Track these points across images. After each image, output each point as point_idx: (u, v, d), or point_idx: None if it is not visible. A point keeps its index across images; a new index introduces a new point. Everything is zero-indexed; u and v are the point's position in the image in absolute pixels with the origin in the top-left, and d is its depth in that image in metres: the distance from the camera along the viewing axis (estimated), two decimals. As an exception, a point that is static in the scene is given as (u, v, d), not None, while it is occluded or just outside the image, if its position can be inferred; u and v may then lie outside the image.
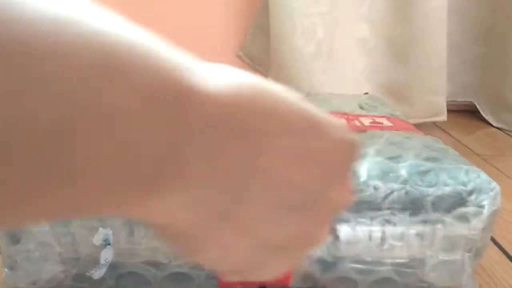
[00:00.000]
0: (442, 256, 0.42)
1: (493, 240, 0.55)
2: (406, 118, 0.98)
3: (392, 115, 0.61)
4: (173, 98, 0.17)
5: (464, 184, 0.42)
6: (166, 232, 0.21)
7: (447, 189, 0.41)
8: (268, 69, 1.11)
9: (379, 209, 0.41)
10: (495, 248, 0.54)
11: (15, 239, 0.40)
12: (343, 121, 0.28)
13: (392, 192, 0.41)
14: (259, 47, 1.10)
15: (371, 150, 0.45)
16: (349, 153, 0.25)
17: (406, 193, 0.41)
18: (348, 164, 0.25)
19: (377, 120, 0.57)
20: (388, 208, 0.41)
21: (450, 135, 0.99)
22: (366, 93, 0.74)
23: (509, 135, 1.02)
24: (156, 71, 0.17)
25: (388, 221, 0.41)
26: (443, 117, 1.04)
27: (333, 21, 0.99)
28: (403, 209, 0.41)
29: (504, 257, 0.52)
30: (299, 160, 0.22)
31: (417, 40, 0.99)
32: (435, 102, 1.03)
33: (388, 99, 1.02)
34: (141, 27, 0.18)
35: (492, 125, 1.07)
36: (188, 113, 0.18)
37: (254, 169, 0.20)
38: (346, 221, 0.41)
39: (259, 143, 0.20)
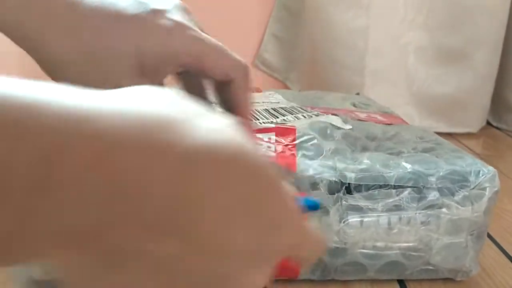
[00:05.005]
0: (447, 239, 0.44)
1: (493, 240, 0.55)
2: (467, 127, 1.00)
3: (384, 112, 0.62)
4: None
5: (463, 167, 0.45)
6: None
7: (448, 170, 0.44)
8: (286, 75, 1.10)
9: (388, 195, 0.42)
10: (495, 248, 0.54)
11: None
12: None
13: (398, 171, 0.43)
14: (274, 54, 1.09)
15: (371, 145, 0.47)
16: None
17: (411, 173, 0.43)
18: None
19: (372, 115, 0.59)
20: (395, 189, 0.42)
21: (450, 135, 0.99)
22: (357, 94, 0.75)
23: (509, 135, 1.02)
24: None
25: (396, 207, 0.42)
26: (484, 122, 1.05)
27: (378, 34, 0.97)
28: (410, 193, 0.43)
29: (504, 257, 0.52)
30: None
31: (478, 46, 0.96)
32: (488, 108, 1.04)
33: (452, 108, 1.00)
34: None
35: (492, 125, 1.07)
36: None
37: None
38: (356, 208, 0.42)
39: None
